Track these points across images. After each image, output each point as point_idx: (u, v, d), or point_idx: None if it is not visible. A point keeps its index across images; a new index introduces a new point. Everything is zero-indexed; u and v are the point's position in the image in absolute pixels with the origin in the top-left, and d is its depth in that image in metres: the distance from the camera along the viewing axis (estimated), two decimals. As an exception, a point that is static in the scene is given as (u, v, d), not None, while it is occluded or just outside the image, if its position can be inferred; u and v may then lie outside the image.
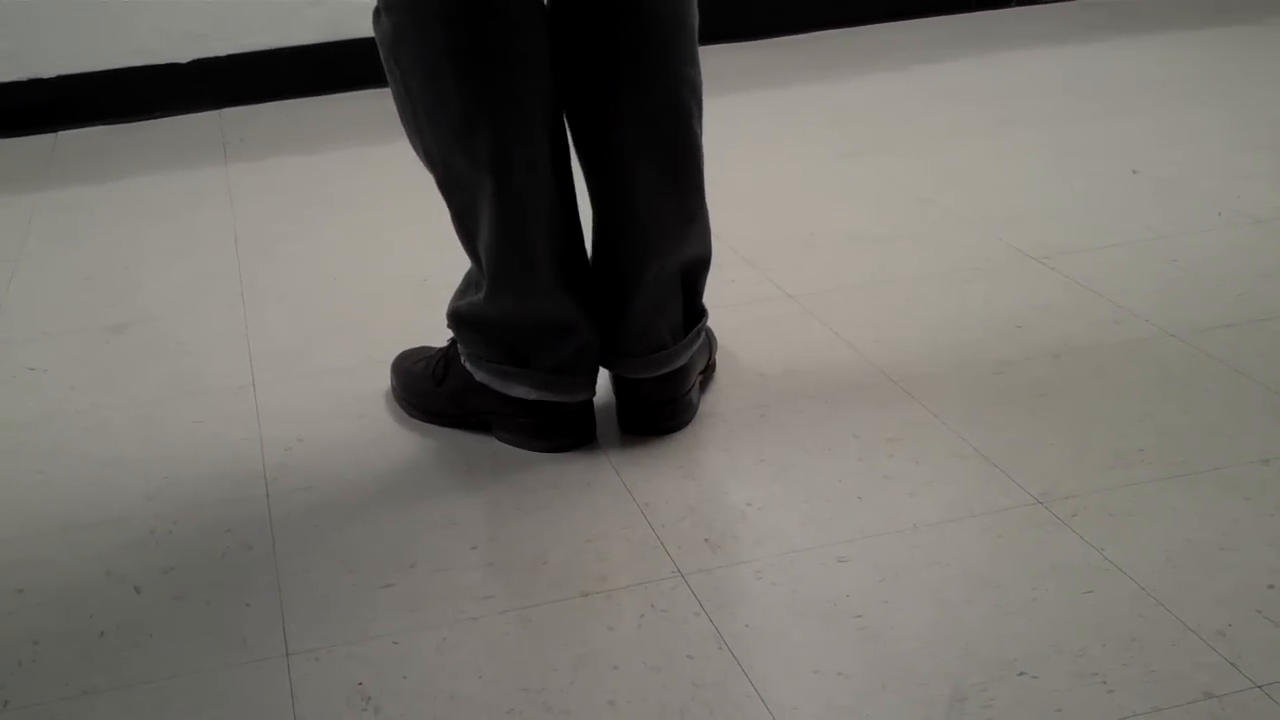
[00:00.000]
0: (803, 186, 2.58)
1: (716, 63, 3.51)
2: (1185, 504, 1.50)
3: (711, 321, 1.99)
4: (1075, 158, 2.61)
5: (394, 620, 1.40)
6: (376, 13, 1.58)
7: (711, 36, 3.70)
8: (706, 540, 1.50)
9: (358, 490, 1.65)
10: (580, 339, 1.67)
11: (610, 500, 1.59)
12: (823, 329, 1.97)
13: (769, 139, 2.88)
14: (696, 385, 1.78)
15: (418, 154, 1.65)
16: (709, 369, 1.85)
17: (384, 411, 1.83)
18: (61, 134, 3.35)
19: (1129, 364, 1.81)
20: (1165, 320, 1.92)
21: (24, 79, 3.32)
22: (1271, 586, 1.35)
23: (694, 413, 1.76)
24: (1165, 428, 1.65)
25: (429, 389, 1.79)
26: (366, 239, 2.46)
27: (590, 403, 1.72)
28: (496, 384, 1.70)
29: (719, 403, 1.79)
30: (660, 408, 1.72)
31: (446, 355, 1.77)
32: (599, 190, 1.67)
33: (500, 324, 1.67)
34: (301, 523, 1.59)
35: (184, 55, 3.39)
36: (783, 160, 2.74)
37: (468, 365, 1.72)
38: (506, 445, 1.72)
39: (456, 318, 1.72)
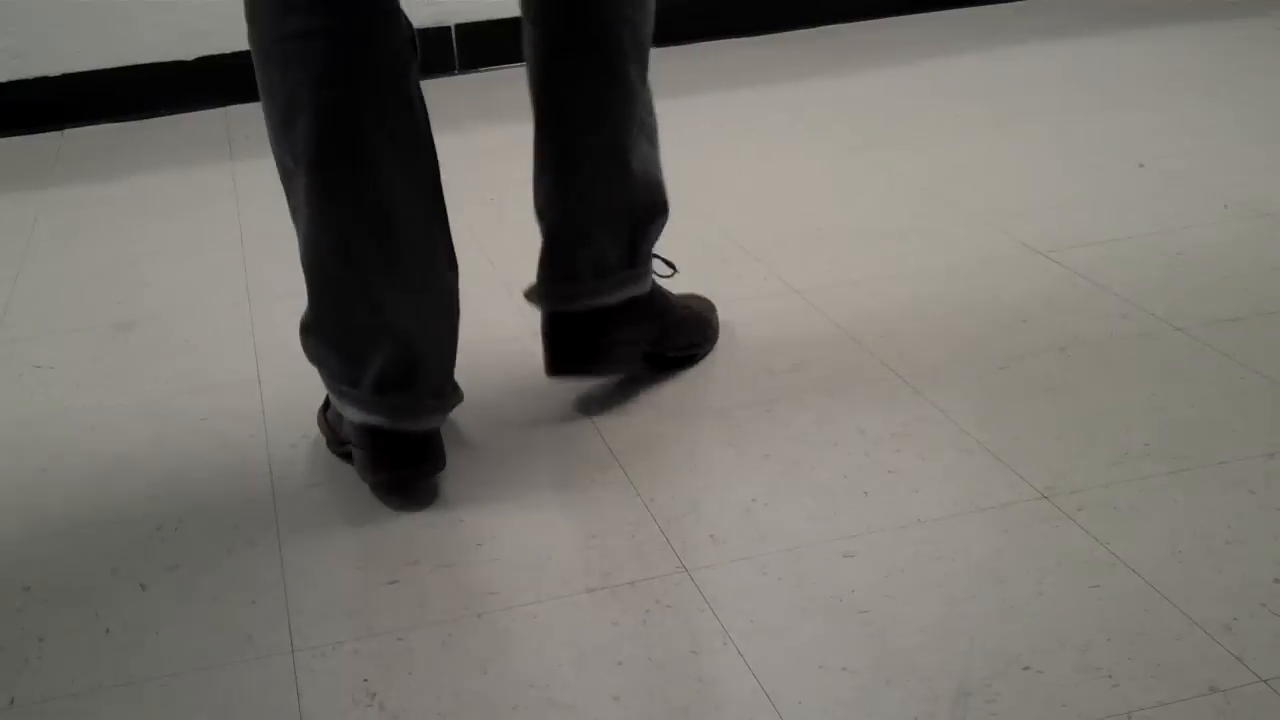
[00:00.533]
0: (809, 181, 2.58)
1: (724, 58, 3.51)
2: (1191, 498, 1.50)
3: (719, 316, 1.99)
4: (1082, 152, 2.61)
5: (399, 616, 1.40)
6: None
7: (719, 31, 3.70)
8: (711, 536, 1.50)
9: (363, 487, 1.65)
10: (408, 354, 1.55)
11: (615, 496, 1.59)
12: (828, 323, 1.97)
13: (776, 133, 2.88)
14: (635, 348, 1.77)
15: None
16: (688, 350, 1.86)
17: (389, 408, 1.83)
18: (68, 132, 3.35)
19: (1135, 358, 1.81)
20: (1171, 314, 1.91)
21: (30, 77, 3.33)
22: (1277, 580, 1.35)
23: (619, 367, 1.74)
24: (1171, 421, 1.65)
25: (321, 418, 1.76)
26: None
27: (430, 434, 1.59)
28: (336, 404, 1.60)
29: (724, 397, 1.79)
30: (577, 348, 1.69)
31: (327, 418, 1.74)
32: (536, 123, 1.68)
33: (330, 335, 1.57)
34: (307, 520, 1.59)
35: (189, 53, 3.40)
36: (790, 154, 2.74)
37: (324, 384, 1.63)
38: (511, 451, 1.72)
39: (302, 329, 1.62)
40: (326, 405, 1.74)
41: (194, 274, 2.36)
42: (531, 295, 1.73)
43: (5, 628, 1.44)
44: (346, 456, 1.68)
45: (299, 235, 1.55)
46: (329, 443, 1.73)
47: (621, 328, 1.73)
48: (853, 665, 1.28)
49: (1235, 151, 2.54)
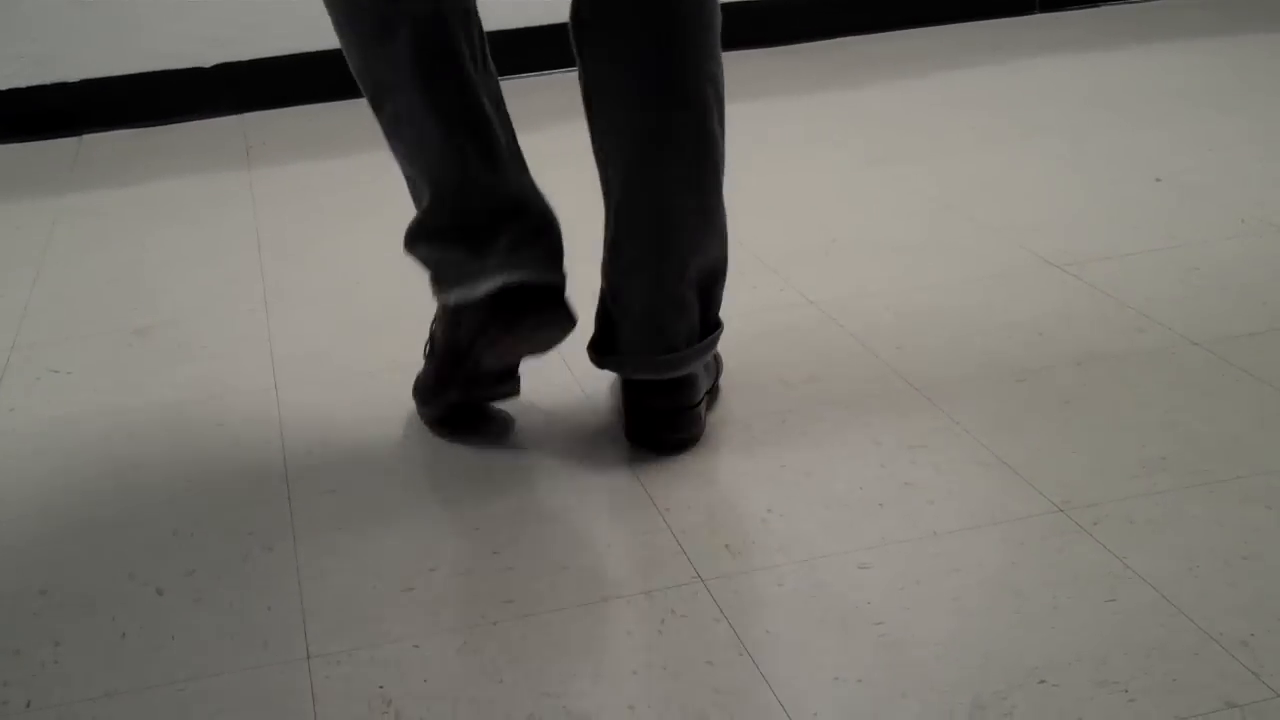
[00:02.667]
0: (826, 193, 2.58)
1: (741, 68, 3.51)
2: (1207, 513, 1.49)
3: (733, 328, 2.00)
4: (1098, 165, 2.61)
5: (415, 624, 1.40)
6: None
7: (736, 42, 3.70)
8: (727, 546, 1.50)
9: (380, 494, 1.65)
10: (540, 212, 1.66)
11: (631, 505, 1.59)
12: (845, 336, 1.97)
13: (792, 145, 2.88)
14: (704, 403, 1.74)
15: (352, 71, 1.66)
16: (714, 391, 1.82)
17: (406, 415, 1.83)
18: (85, 137, 3.36)
19: (1152, 372, 1.81)
20: (1188, 328, 1.91)
21: (49, 83, 3.34)
22: (1294, 596, 1.35)
23: (702, 430, 1.72)
24: (1188, 436, 1.65)
25: (425, 373, 1.79)
26: (390, 243, 2.46)
27: (563, 288, 1.67)
28: (466, 292, 1.65)
29: (740, 409, 1.79)
30: (668, 416, 1.67)
31: (432, 328, 1.78)
32: (617, 183, 1.64)
33: (452, 225, 1.65)
34: (323, 526, 1.59)
35: (207, 60, 3.41)
36: (806, 167, 2.74)
37: (438, 294, 1.70)
38: (527, 460, 1.72)
39: (412, 239, 1.70)
40: (430, 351, 1.78)
41: (211, 280, 2.37)
42: (612, 362, 1.69)
43: (22, 631, 1.44)
44: (467, 397, 1.73)
45: (402, 144, 1.65)
46: (424, 400, 1.79)
47: (699, 387, 1.71)
48: (868, 677, 1.28)
49: (1253, 166, 2.54)
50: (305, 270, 2.38)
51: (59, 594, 1.51)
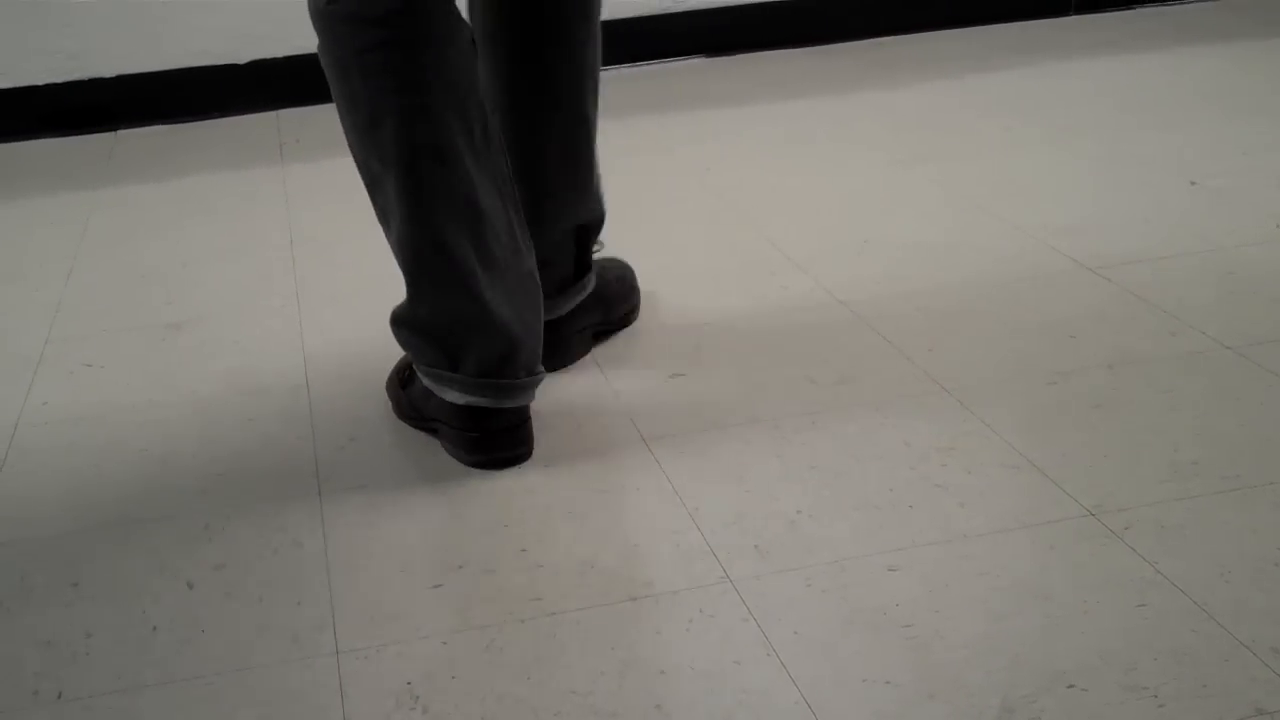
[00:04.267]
0: (857, 193, 2.57)
1: (775, 69, 3.51)
2: (1240, 518, 1.48)
3: (763, 326, 1.99)
4: (1132, 168, 2.60)
5: (443, 620, 1.41)
6: None
7: (768, 43, 3.70)
8: (756, 546, 1.49)
9: (409, 491, 1.66)
10: (508, 340, 1.65)
11: (660, 505, 1.59)
12: (875, 336, 1.96)
13: (825, 145, 2.87)
14: (586, 331, 1.95)
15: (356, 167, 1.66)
16: (620, 320, 2.03)
17: (436, 412, 1.84)
18: (121, 133, 3.38)
19: (1184, 376, 1.80)
20: (1221, 332, 1.90)
21: (85, 78, 3.36)
22: (1327, 603, 1.34)
23: (578, 355, 1.94)
24: (1220, 441, 1.64)
25: (398, 393, 1.82)
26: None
27: (526, 415, 1.71)
28: (433, 387, 1.70)
29: (770, 409, 1.79)
30: (544, 347, 1.80)
31: (410, 367, 1.80)
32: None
33: (428, 325, 1.67)
34: (353, 522, 1.60)
35: (242, 56, 3.42)
36: (838, 167, 2.73)
37: (416, 369, 1.75)
38: (556, 458, 1.72)
39: (394, 322, 1.72)
40: (405, 380, 1.80)
41: (244, 276, 2.38)
42: None
43: (54, 623, 1.45)
44: (427, 430, 1.78)
45: (391, 235, 1.65)
46: (403, 414, 1.81)
47: (573, 323, 1.93)
48: (896, 679, 1.27)
49: (1288, 170, 2.53)
50: (337, 266, 2.38)
51: (90, 586, 1.51)
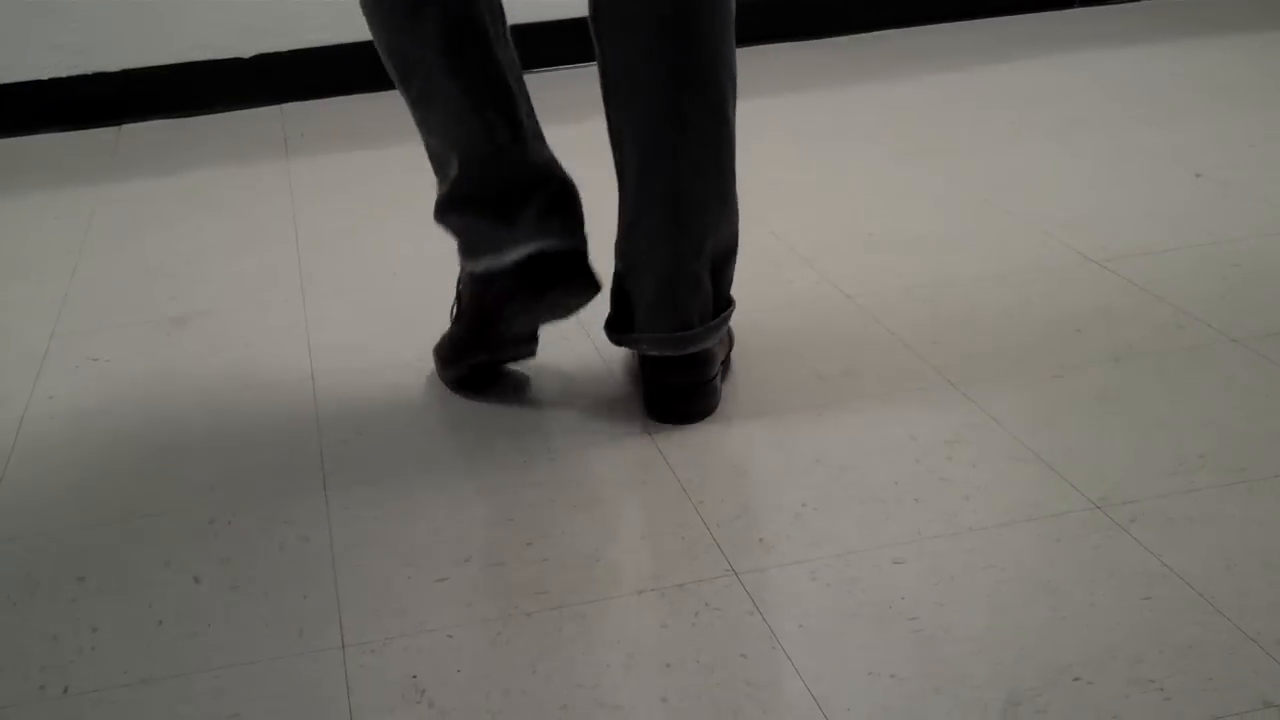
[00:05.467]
0: (862, 186, 2.57)
1: (778, 62, 3.51)
2: (1246, 511, 1.48)
3: (768, 321, 1.99)
4: (1137, 161, 2.59)
5: (449, 614, 1.41)
6: None
7: (773, 35, 3.70)
8: (761, 540, 1.50)
9: (415, 484, 1.66)
10: (559, 182, 1.73)
11: (665, 498, 1.59)
12: (881, 329, 1.96)
13: (829, 138, 2.87)
14: (719, 375, 1.79)
15: (381, 55, 1.73)
16: (727, 363, 1.86)
17: (442, 406, 1.84)
18: (125, 127, 3.38)
19: (1190, 369, 1.80)
20: (1227, 325, 1.90)
21: (89, 72, 3.36)
22: (1333, 596, 1.34)
23: (717, 402, 1.77)
24: (1226, 434, 1.64)
25: (449, 333, 1.85)
26: (427, 234, 2.47)
27: (586, 253, 1.75)
28: (495, 260, 1.72)
29: (775, 402, 1.79)
30: (685, 391, 1.74)
31: (458, 292, 1.84)
32: (633, 166, 1.68)
33: (480, 195, 1.71)
34: (359, 515, 1.60)
35: (246, 50, 3.42)
36: (843, 160, 2.73)
37: (467, 263, 1.76)
38: (562, 451, 1.72)
39: (442, 209, 1.77)
40: (458, 318, 1.83)
41: (249, 270, 2.38)
42: (629, 340, 1.74)
43: (60, 617, 1.45)
44: (499, 345, 1.79)
45: (430, 118, 1.72)
46: (447, 361, 1.85)
47: (714, 362, 1.76)
48: (902, 672, 1.27)
49: (1294, 163, 2.52)
50: (342, 261, 2.39)
51: (96, 580, 1.52)
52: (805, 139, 2.88)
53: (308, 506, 1.63)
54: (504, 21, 1.72)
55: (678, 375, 1.73)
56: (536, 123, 1.75)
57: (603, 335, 1.81)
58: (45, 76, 3.34)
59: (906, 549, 1.46)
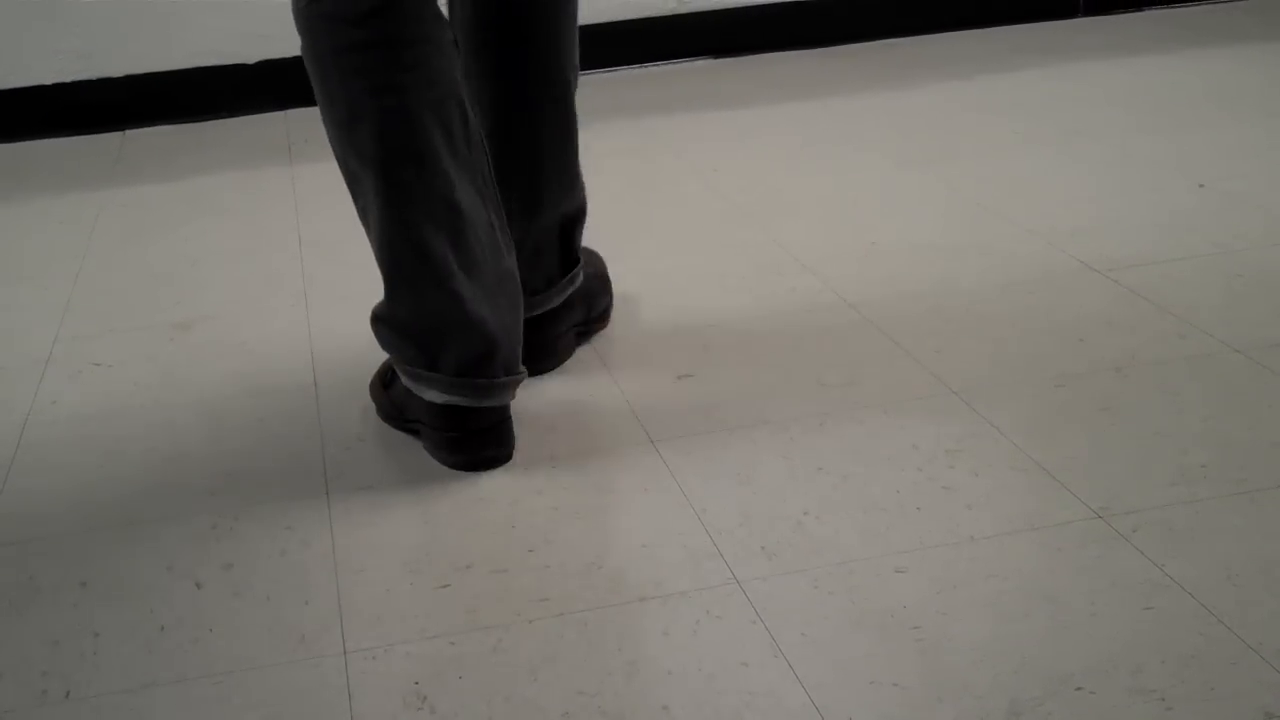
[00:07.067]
0: (865, 194, 2.57)
1: (781, 70, 3.51)
2: (1248, 521, 1.48)
3: (772, 328, 1.99)
4: (1141, 170, 2.59)
5: (451, 620, 1.41)
6: None
7: (775, 44, 3.70)
8: (763, 548, 1.50)
9: (417, 490, 1.66)
10: (487, 339, 1.64)
11: (667, 506, 1.59)
12: (883, 338, 1.96)
13: (834, 146, 2.87)
14: (571, 332, 1.94)
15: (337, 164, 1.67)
16: (598, 318, 2.02)
17: (444, 413, 1.84)
18: (129, 132, 3.38)
19: (1193, 379, 1.80)
20: (1230, 335, 1.90)
21: (93, 78, 3.36)
22: (1335, 607, 1.34)
23: (564, 357, 1.93)
24: (1229, 444, 1.64)
25: (379, 394, 1.82)
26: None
27: (506, 415, 1.70)
28: (413, 387, 1.69)
29: (778, 410, 1.79)
30: (530, 349, 1.80)
31: (391, 369, 1.81)
32: (498, 159, 1.77)
33: (406, 324, 1.67)
34: (361, 521, 1.60)
35: (251, 56, 3.42)
36: (846, 168, 2.73)
37: (395, 368, 1.75)
38: (564, 458, 1.72)
39: (374, 320, 1.72)
40: (387, 381, 1.81)
41: (252, 276, 2.38)
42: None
43: (62, 622, 1.46)
44: (409, 431, 1.78)
45: (371, 234, 1.65)
46: (386, 415, 1.81)
47: (558, 323, 1.91)
48: (904, 681, 1.27)
49: (1297, 173, 2.52)
50: (346, 267, 2.39)
51: (98, 585, 1.52)
52: (809, 146, 2.88)
53: (310, 512, 1.63)
54: (470, 128, 1.62)
55: (526, 334, 1.78)
56: (500, 233, 1.67)
57: (604, 341, 1.85)
58: (50, 81, 3.34)
59: (908, 558, 1.46)
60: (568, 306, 1.92)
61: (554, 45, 1.81)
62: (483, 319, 1.64)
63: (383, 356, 2.00)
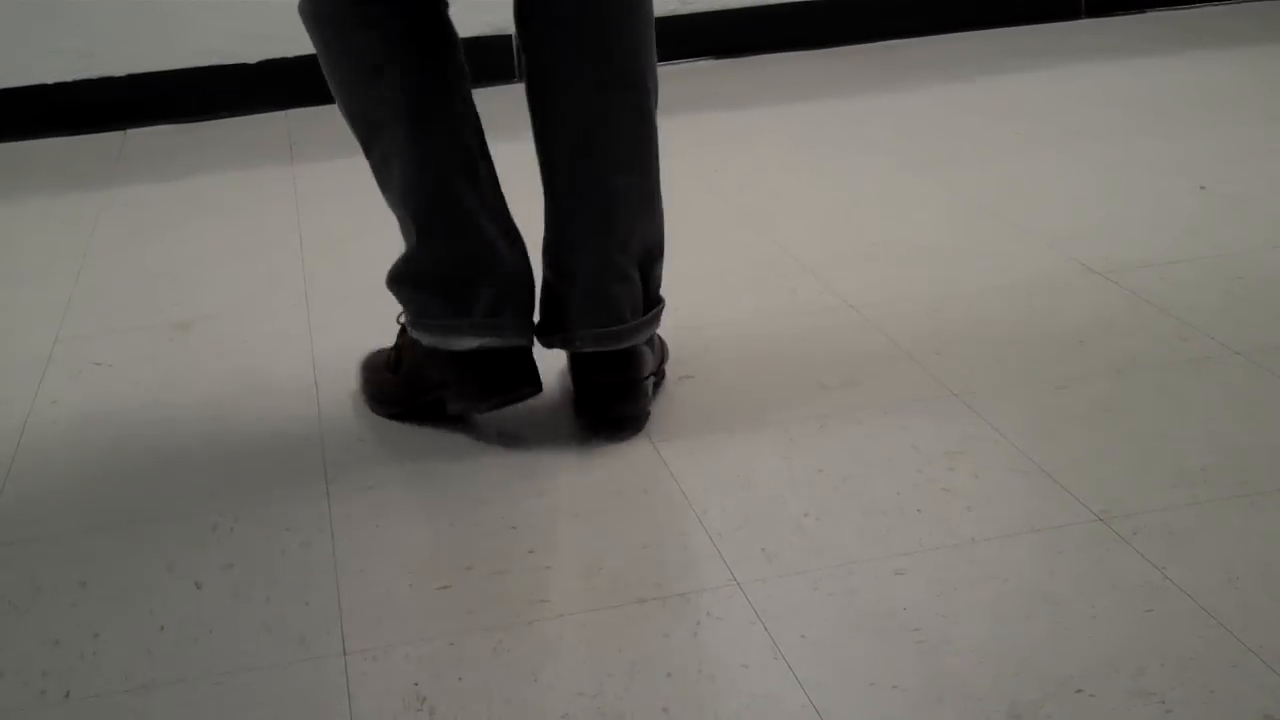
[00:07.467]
0: (866, 196, 2.57)
1: (782, 71, 3.52)
2: (1248, 524, 1.48)
3: (772, 330, 2.00)
4: (1142, 172, 2.59)
5: (451, 622, 1.41)
6: None
7: (776, 45, 3.70)
8: (763, 550, 1.50)
9: (417, 492, 1.66)
10: (511, 279, 1.70)
11: (667, 507, 1.59)
12: (884, 340, 1.96)
13: (835, 148, 2.87)
14: (651, 381, 1.78)
15: (343, 115, 1.71)
16: (659, 374, 1.85)
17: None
18: (130, 132, 3.39)
19: (1193, 381, 1.80)
20: (1230, 338, 1.90)
21: (95, 77, 3.36)
22: (1335, 610, 1.34)
23: (648, 407, 1.77)
24: (1229, 446, 1.64)
25: (386, 379, 1.82)
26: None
27: (530, 354, 1.72)
28: (438, 342, 1.70)
29: (778, 412, 1.79)
30: (617, 390, 1.72)
31: (399, 344, 1.81)
32: (562, 164, 1.70)
33: (432, 276, 1.70)
34: (361, 522, 1.60)
35: (252, 56, 3.42)
36: (846, 170, 2.73)
37: (414, 333, 1.74)
38: (565, 460, 1.72)
39: (395, 280, 1.74)
40: (394, 364, 1.80)
41: (253, 276, 2.38)
42: (559, 339, 1.73)
43: (62, 622, 1.46)
44: (422, 407, 1.79)
45: (393, 185, 1.69)
46: (394, 401, 1.81)
47: (646, 362, 1.75)
48: (904, 683, 1.27)
49: (1298, 175, 2.53)
50: (347, 267, 2.39)
51: (98, 586, 1.52)
52: (809, 148, 2.88)
53: (310, 513, 1.63)
54: (467, 85, 1.70)
55: (609, 373, 1.71)
56: (499, 186, 1.72)
57: None
58: (51, 81, 3.35)
59: (908, 560, 1.46)
60: (650, 346, 1.78)
61: (625, 45, 1.69)
62: (506, 258, 1.69)
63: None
